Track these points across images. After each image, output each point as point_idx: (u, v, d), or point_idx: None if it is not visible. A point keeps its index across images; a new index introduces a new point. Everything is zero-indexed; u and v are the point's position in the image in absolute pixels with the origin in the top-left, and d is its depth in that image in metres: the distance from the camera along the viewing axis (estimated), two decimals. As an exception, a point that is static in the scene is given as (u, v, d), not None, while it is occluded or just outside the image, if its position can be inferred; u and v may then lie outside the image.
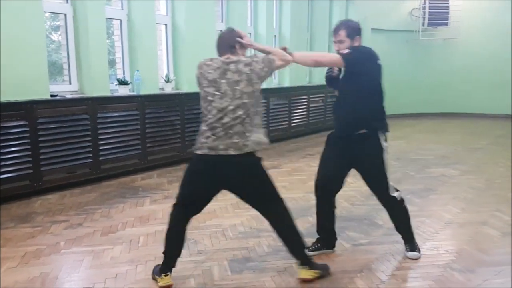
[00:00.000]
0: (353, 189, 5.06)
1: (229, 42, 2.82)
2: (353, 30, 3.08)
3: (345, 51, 2.97)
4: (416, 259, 3.22)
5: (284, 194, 4.79)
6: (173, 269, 2.94)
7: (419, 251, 3.27)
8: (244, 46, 2.84)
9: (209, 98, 2.69)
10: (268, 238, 3.61)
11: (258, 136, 2.73)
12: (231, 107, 2.63)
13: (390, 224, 3.92)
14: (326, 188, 3.23)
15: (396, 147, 7.86)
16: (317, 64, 3.13)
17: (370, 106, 3.10)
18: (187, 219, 2.92)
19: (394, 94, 11.85)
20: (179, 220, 2.92)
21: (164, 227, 3.79)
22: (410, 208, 4.35)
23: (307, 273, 2.87)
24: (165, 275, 2.82)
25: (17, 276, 2.96)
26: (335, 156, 3.17)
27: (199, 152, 2.72)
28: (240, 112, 2.64)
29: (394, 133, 9.44)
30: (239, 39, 2.83)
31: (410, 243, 3.30)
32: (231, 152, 2.64)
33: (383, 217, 4.12)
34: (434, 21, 11.75)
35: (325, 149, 3.28)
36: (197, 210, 2.94)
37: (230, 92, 2.64)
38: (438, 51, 12.13)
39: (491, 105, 11.66)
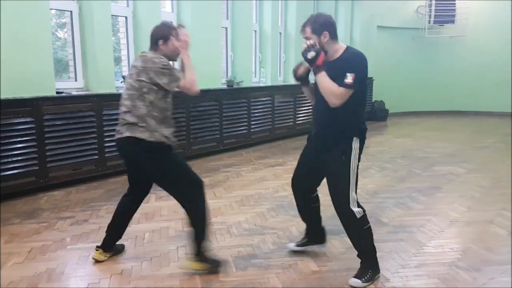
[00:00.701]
0: (358, 186, 5.03)
1: (155, 37, 2.99)
2: (320, 25, 2.80)
3: (349, 78, 2.67)
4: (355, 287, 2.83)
5: (288, 191, 4.82)
6: (178, 265, 3.03)
7: (365, 282, 2.83)
8: (167, 43, 2.97)
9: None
10: (272, 235, 3.61)
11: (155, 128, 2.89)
12: (124, 97, 2.93)
13: (395, 222, 3.94)
14: (300, 186, 3.16)
15: (401, 145, 7.84)
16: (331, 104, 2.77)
17: (353, 113, 2.85)
18: (133, 202, 3.22)
19: (400, 92, 11.88)
20: (125, 203, 3.22)
21: (169, 224, 3.85)
22: (416, 206, 4.39)
23: (193, 265, 2.95)
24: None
25: (24, 271, 2.98)
26: (310, 155, 3.05)
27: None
28: (127, 102, 2.89)
29: (400, 131, 9.52)
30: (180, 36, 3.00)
31: (361, 269, 2.90)
32: (124, 134, 2.89)
33: (388, 215, 4.13)
34: (441, 19, 11.68)
35: (304, 148, 3.16)
36: (142, 192, 3.24)
37: (126, 84, 2.95)
38: (444, 48, 12.06)
39: (498, 103, 11.58)
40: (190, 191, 2.95)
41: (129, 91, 2.88)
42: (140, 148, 2.87)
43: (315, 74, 2.78)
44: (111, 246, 3.17)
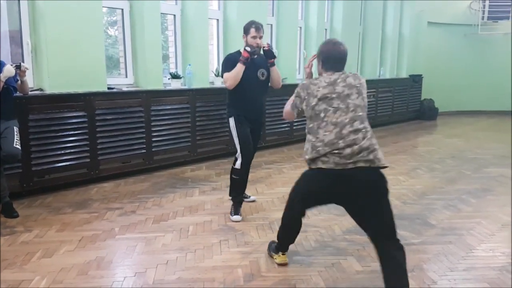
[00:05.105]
0: (405, 187, 4.93)
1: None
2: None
3: None
4: None
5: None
6: (221, 258, 3.07)
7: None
8: None
9: None
10: (315, 233, 3.59)
11: None
12: (348, 120, 2.62)
13: (444, 224, 3.82)
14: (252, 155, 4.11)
15: (451, 145, 7.57)
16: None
17: None
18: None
19: (450, 91, 11.47)
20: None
21: (212, 218, 3.91)
22: (466, 208, 4.24)
23: None
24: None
25: (74, 259, 3.11)
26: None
27: None
28: (359, 125, 2.61)
29: (450, 131, 9.20)
30: None
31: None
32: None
33: (437, 217, 4.00)
34: (495, 15, 11.17)
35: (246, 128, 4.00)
36: None
37: (345, 103, 2.67)
38: (498, 46, 11.51)
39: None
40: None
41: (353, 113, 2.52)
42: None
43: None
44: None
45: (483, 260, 3.12)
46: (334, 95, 2.55)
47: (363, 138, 2.46)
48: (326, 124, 2.52)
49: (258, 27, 3.81)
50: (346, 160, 2.42)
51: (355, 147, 2.43)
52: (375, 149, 2.45)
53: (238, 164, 3.91)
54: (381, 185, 2.47)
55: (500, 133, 8.93)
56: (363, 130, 2.49)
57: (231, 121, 3.91)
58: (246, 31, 3.85)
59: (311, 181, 2.65)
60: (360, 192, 2.48)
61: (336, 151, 2.45)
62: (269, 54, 3.86)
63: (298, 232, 2.95)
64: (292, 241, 3.05)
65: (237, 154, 3.93)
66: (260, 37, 3.81)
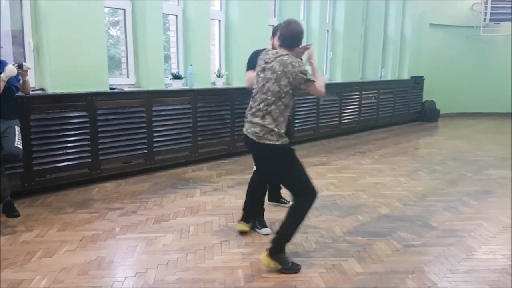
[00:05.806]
0: (406, 189, 4.93)
1: (297, 39, 3.11)
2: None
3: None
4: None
5: (332, 191, 4.79)
6: (221, 259, 3.08)
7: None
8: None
9: None
10: (315, 234, 3.59)
11: None
12: (257, 99, 3.10)
13: (445, 226, 3.82)
14: None
15: (452, 147, 7.57)
16: None
17: None
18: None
19: (452, 92, 11.46)
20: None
21: (213, 218, 3.92)
22: (467, 210, 4.25)
23: (268, 261, 2.94)
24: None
25: (75, 258, 3.11)
26: None
27: None
28: (261, 106, 3.08)
29: (451, 132, 9.20)
30: None
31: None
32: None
33: (438, 218, 4.00)
34: (497, 17, 11.16)
35: None
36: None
37: (261, 87, 3.09)
38: (500, 48, 11.50)
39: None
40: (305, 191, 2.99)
41: (265, 95, 2.94)
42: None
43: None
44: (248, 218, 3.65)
45: (484, 262, 3.12)
46: (261, 74, 3.02)
47: (262, 117, 2.93)
48: (253, 94, 3.09)
49: None
50: (249, 128, 3.00)
51: (253, 122, 2.97)
52: (268, 129, 2.90)
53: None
54: (272, 155, 2.94)
55: (500, 135, 8.92)
56: (264, 111, 2.93)
57: None
58: (275, 33, 3.68)
59: None
60: (257, 156, 3.15)
61: (248, 117, 3.04)
62: None
63: (250, 201, 3.62)
64: (248, 210, 3.62)
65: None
66: None
